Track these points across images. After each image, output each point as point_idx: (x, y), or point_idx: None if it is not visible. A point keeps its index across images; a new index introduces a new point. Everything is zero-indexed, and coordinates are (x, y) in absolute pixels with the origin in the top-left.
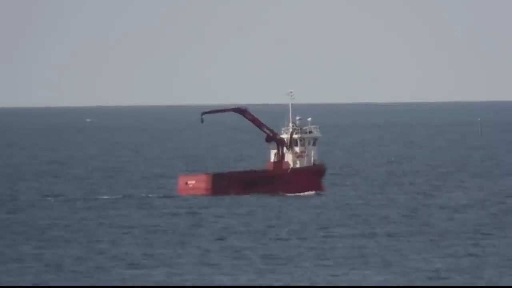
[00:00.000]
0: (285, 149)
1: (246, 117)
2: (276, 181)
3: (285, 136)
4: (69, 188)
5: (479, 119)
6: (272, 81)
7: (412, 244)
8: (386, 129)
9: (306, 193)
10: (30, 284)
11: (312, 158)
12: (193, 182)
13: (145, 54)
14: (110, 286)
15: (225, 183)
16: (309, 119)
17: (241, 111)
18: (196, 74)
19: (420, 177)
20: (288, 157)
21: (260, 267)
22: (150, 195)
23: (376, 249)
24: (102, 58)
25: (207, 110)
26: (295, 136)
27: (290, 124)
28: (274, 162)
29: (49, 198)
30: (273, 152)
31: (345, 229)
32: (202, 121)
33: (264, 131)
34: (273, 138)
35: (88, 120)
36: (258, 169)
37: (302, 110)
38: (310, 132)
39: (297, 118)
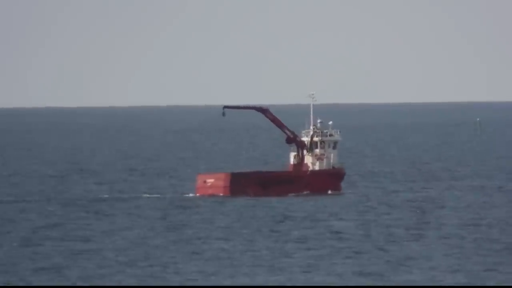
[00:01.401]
0: (305, 151)
1: (267, 117)
2: (295, 182)
3: (305, 139)
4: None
5: (478, 119)
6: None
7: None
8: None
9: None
10: (32, 284)
11: (331, 161)
12: (212, 180)
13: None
14: (111, 286)
15: (244, 183)
16: (330, 122)
17: (262, 110)
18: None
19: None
20: (308, 160)
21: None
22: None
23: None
24: (102, 58)
25: (229, 105)
26: (315, 138)
27: (311, 127)
28: (294, 164)
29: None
30: (293, 154)
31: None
32: (223, 114)
33: (285, 132)
34: (293, 140)
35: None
36: (277, 170)
37: (321, 110)
38: (331, 135)
39: (318, 121)
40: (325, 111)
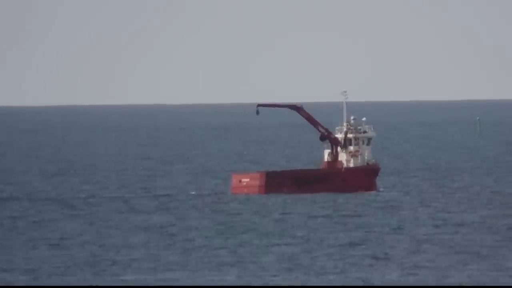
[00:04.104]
0: (339, 148)
1: (301, 115)
2: (330, 180)
3: (339, 136)
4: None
5: (478, 118)
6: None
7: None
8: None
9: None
10: (35, 284)
11: (366, 158)
12: (247, 180)
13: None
14: (111, 286)
15: (279, 181)
16: (364, 118)
17: (296, 108)
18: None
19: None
20: (342, 157)
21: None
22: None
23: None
24: (101, 56)
25: (263, 103)
26: (349, 135)
27: (345, 124)
28: (328, 161)
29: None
30: (327, 151)
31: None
32: (257, 112)
33: (319, 130)
34: (327, 137)
35: None
36: (312, 168)
37: (353, 107)
38: (365, 131)
39: (352, 117)
40: (357, 108)
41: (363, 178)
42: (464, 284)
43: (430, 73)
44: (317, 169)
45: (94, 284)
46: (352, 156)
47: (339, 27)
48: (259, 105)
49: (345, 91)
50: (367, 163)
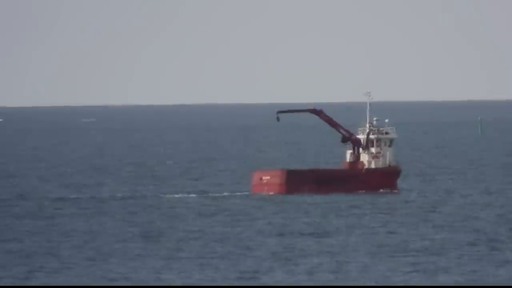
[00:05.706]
0: (360, 149)
1: (322, 118)
2: (350, 180)
3: (361, 137)
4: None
5: (479, 118)
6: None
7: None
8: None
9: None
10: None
11: (387, 159)
12: (268, 177)
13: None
14: (111, 286)
15: (300, 180)
16: (386, 120)
17: (316, 112)
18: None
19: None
20: (364, 158)
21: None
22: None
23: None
24: (105, 55)
25: (283, 110)
26: (371, 136)
27: (367, 125)
28: (350, 162)
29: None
30: (348, 153)
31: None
32: (277, 119)
33: (340, 132)
34: (349, 139)
35: (87, 120)
36: (333, 168)
37: (374, 108)
38: (387, 133)
39: (374, 119)
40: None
41: (384, 179)
42: (462, 284)
43: (434, 73)
44: (338, 169)
45: (96, 284)
46: (373, 158)
47: (353, 28)
48: (279, 111)
49: (369, 92)
50: (389, 165)
